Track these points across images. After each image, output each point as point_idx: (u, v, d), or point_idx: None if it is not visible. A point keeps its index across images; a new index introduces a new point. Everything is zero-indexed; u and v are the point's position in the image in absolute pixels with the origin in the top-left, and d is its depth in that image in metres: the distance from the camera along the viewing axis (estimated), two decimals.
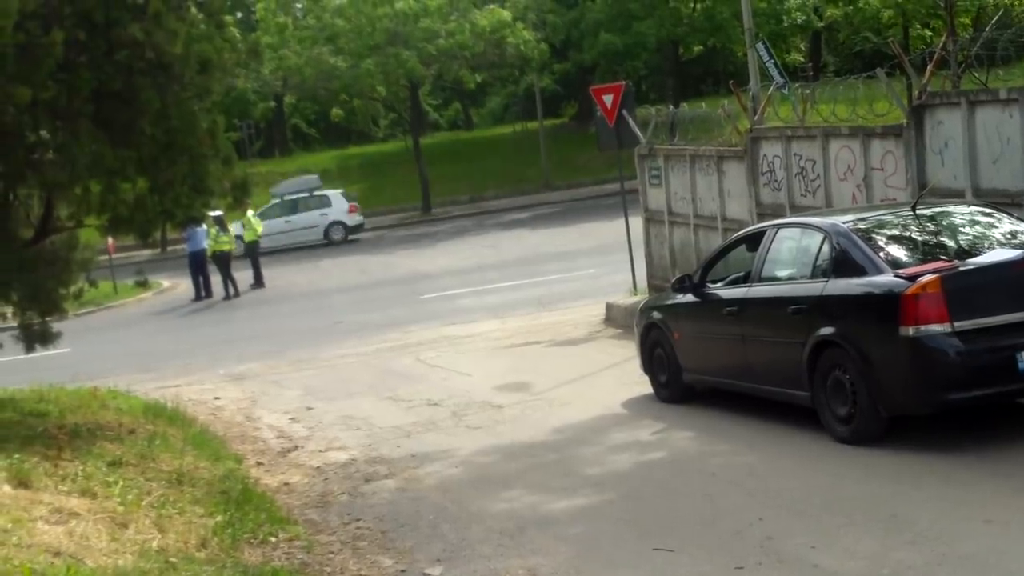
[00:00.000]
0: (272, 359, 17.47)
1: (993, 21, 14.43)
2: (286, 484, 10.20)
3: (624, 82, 18.72)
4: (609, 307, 16.97)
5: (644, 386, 11.93)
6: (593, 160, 38.85)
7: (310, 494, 9.77)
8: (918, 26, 33.71)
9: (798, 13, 37.75)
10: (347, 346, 17.90)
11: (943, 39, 14.19)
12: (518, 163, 44.47)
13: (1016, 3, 21.05)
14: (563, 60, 45.23)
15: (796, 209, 13.60)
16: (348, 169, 47.62)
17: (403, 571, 7.55)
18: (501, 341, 16.70)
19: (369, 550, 8.04)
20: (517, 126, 53.10)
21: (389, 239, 35.32)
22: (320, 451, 11.36)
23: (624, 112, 17.38)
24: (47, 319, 12.28)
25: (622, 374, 12.95)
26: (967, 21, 30.95)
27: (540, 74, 44.55)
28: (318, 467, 10.69)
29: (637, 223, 17.59)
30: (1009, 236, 9.31)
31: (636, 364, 12.19)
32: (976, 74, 12.55)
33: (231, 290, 26.25)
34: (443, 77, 44.20)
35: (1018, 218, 9.84)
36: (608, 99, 17.51)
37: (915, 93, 12.53)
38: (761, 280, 10.24)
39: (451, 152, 47.37)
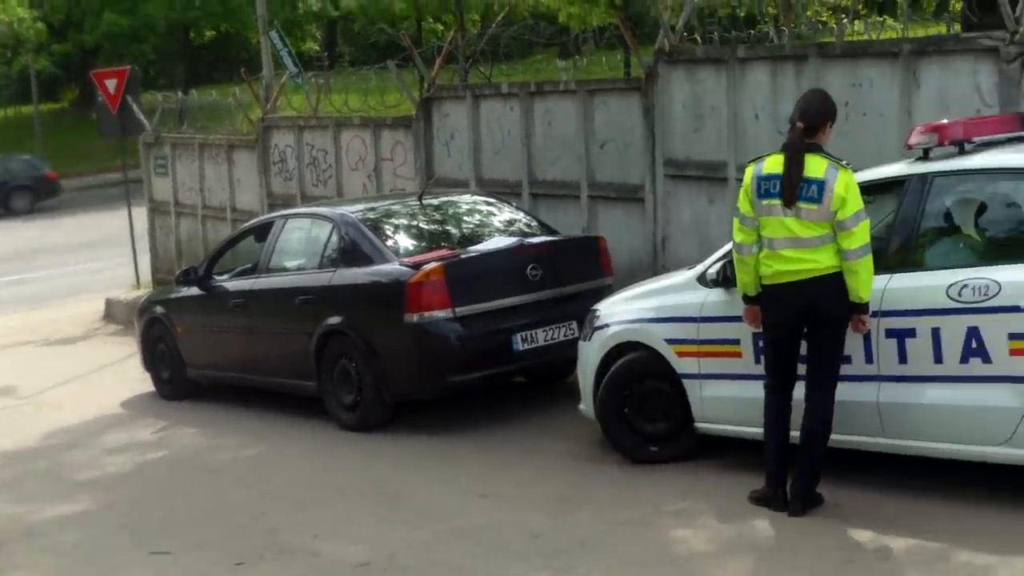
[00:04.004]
0: None
1: (499, 18, 15.43)
2: None
3: (129, 66, 18.26)
4: (109, 303, 16.57)
5: (146, 384, 11.72)
6: (97, 148, 37.34)
7: None
8: (431, 20, 35.30)
9: (313, 1, 38.33)
10: None
11: (452, 34, 15.01)
12: (11, 149, 41.77)
13: (520, 3, 22.70)
14: (63, 41, 43.14)
15: (308, 199, 13.88)
16: None
17: None
18: None
19: None
20: (9, 110, 50.15)
21: None
22: None
23: (129, 98, 16.96)
24: None
25: (122, 372, 12.67)
26: (476, 17, 32.79)
27: (36, 55, 42.24)
28: None
29: (142, 214, 17.22)
30: (508, 224, 10.04)
31: (138, 361, 11.95)
32: (482, 69, 13.39)
33: None
34: None
35: (517, 207, 10.64)
36: (111, 84, 17.00)
37: (425, 86, 13.17)
38: (269, 271, 10.36)
39: None
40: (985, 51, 8.31)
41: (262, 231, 10.87)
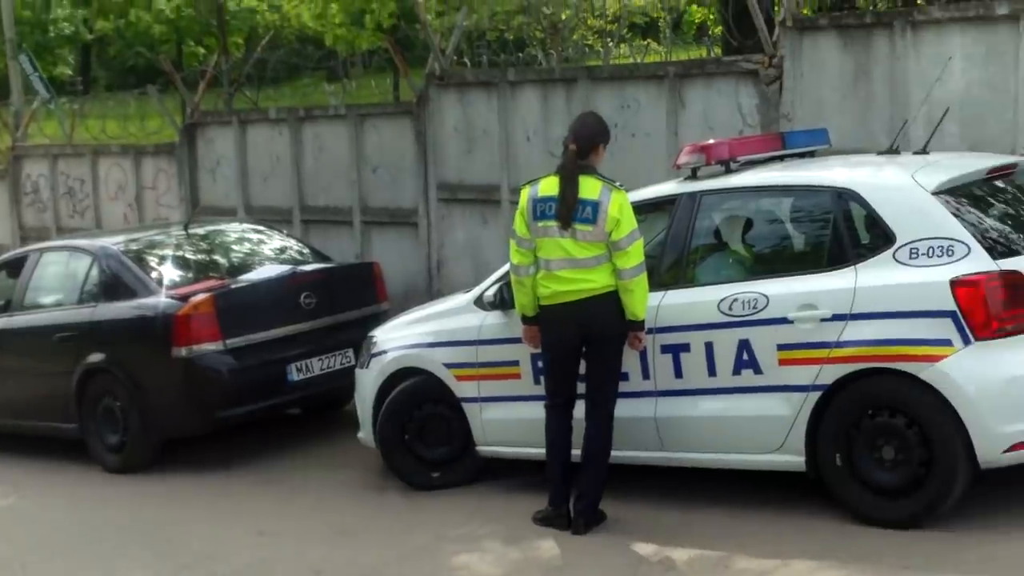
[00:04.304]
0: None
1: (264, 42, 15.29)
2: None
3: None
4: None
5: None
6: None
7: None
8: (192, 43, 34.64)
9: (66, 24, 37.11)
10: None
11: (216, 57, 14.80)
12: None
13: (285, 26, 22.54)
14: None
15: (64, 231, 13.45)
16: None
17: None
18: None
19: None
20: None
21: None
22: None
23: None
24: None
25: None
26: (240, 41, 32.37)
27: None
28: None
29: None
30: (279, 252, 9.93)
31: None
32: (247, 93, 13.24)
33: None
34: None
35: (288, 234, 10.53)
36: None
37: (188, 111, 12.93)
38: (24, 308, 9.99)
39: None
40: (745, 73, 8.72)
41: (15, 266, 10.47)
